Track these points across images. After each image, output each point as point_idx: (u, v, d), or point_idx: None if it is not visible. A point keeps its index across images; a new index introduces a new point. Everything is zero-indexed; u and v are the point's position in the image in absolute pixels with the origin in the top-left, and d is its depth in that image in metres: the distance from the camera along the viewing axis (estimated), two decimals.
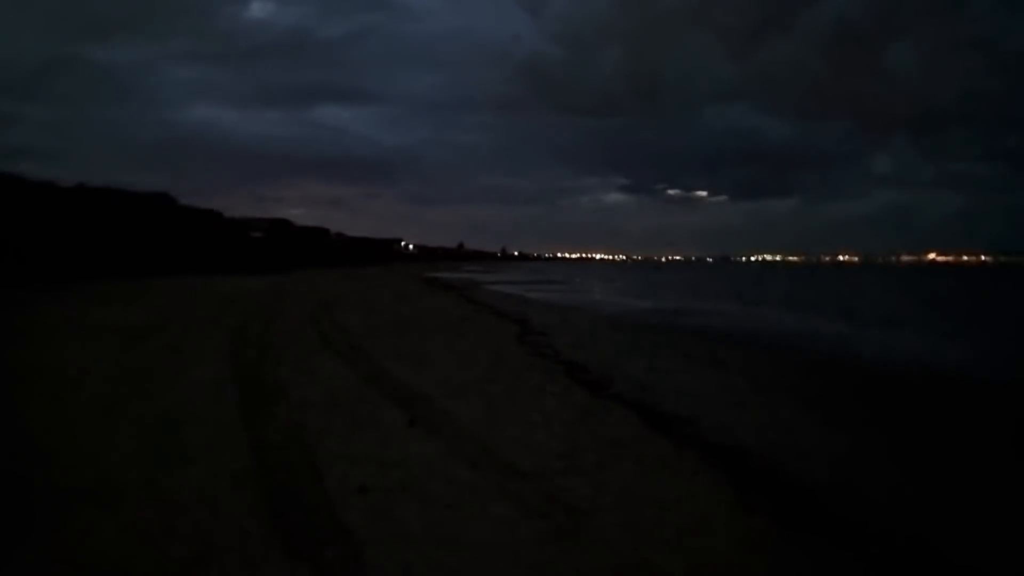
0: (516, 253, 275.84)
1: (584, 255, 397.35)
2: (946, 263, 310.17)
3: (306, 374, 9.34)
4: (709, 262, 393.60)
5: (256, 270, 44.08)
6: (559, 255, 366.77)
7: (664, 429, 7.59)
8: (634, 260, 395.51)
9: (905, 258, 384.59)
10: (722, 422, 8.22)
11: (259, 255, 51.59)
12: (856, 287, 59.13)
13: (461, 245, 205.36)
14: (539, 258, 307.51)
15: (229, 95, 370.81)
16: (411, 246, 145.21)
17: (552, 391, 9.15)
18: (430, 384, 8.94)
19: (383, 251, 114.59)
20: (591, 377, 10.62)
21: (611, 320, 23.24)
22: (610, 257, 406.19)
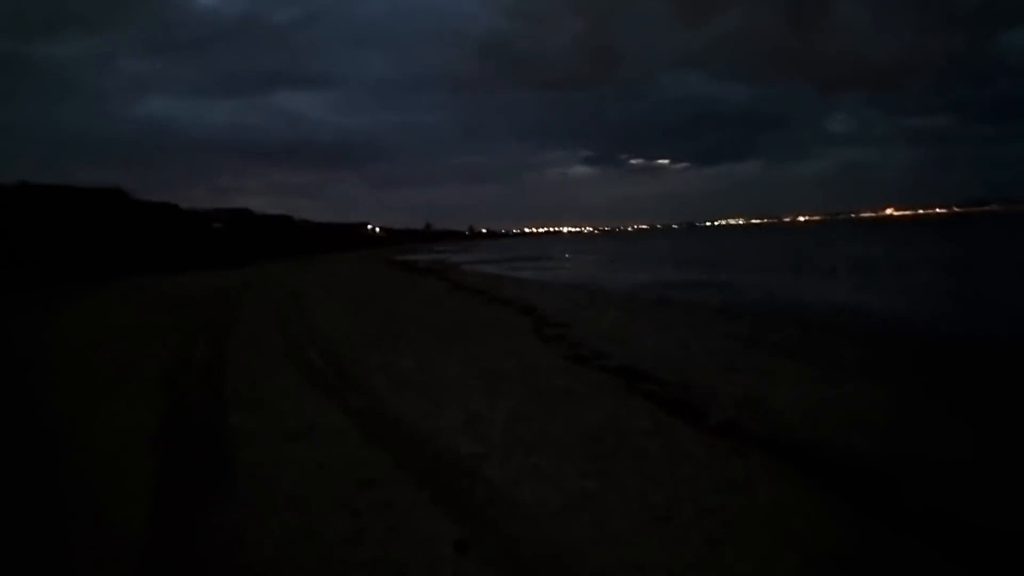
0: (484, 231, 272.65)
1: (552, 229, 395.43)
2: (903, 217, 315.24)
3: (270, 427, 6.24)
4: (675, 228, 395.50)
5: (217, 264, 41.10)
6: (527, 230, 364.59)
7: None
8: (602, 231, 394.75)
9: (865, 214, 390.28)
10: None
11: (220, 248, 48.43)
12: (840, 245, 57.62)
13: (428, 226, 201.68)
14: (508, 234, 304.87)
15: (182, 86, 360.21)
16: (378, 229, 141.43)
17: (642, 429, 6.07)
18: (459, 435, 5.91)
19: (350, 236, 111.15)
20: (675, 396, 7.49)
21: (623, 300, 21.00)
22: (578, 230, 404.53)
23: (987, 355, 10.89)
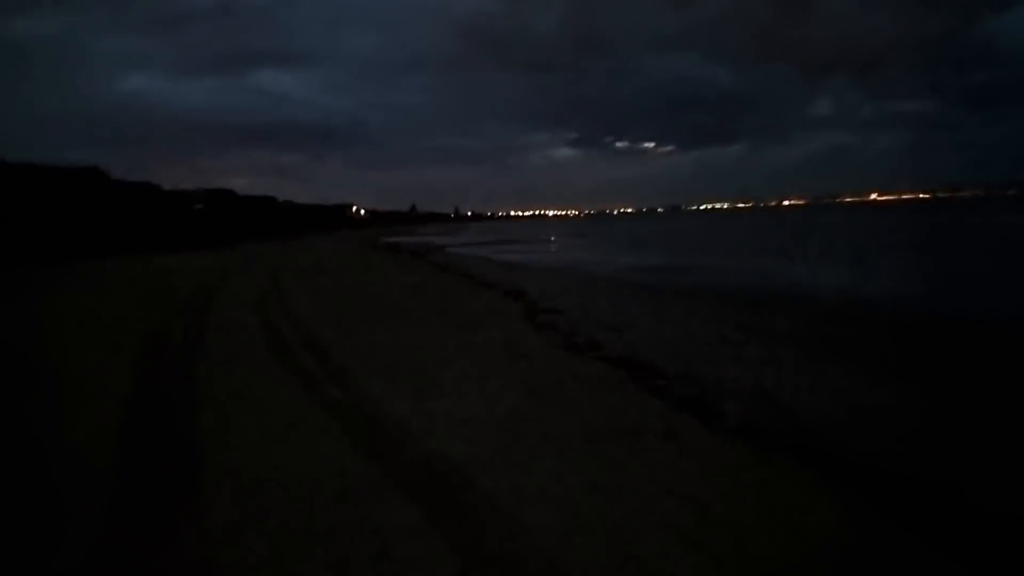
0: (469, 213, 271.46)
1: (537, 212, 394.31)
2: (886, 202, 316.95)
3: (245, 427, 5.71)
4: (660, 212, 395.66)
5: (198, 245, 40.19)
6: (512, 213, 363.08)
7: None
8: (587, 215, 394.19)
9: (848, 199, 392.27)
10: None
11: (201, 229, 47.39)
12: (822, 228, 57.38)
13: (413, 208, 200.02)
14: (493, 217, 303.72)
15: (161, 65, 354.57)
16: (363, 211, 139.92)
17: (654, 430, 5.48)
18: (452, 436, 5.34)
19: (334, 217, 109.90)
20: (683, 391, 6.96)
21: (613, 285, 20.51)
22: (563, 213, 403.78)
23: (968, 336, 10.48)
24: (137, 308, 13.59)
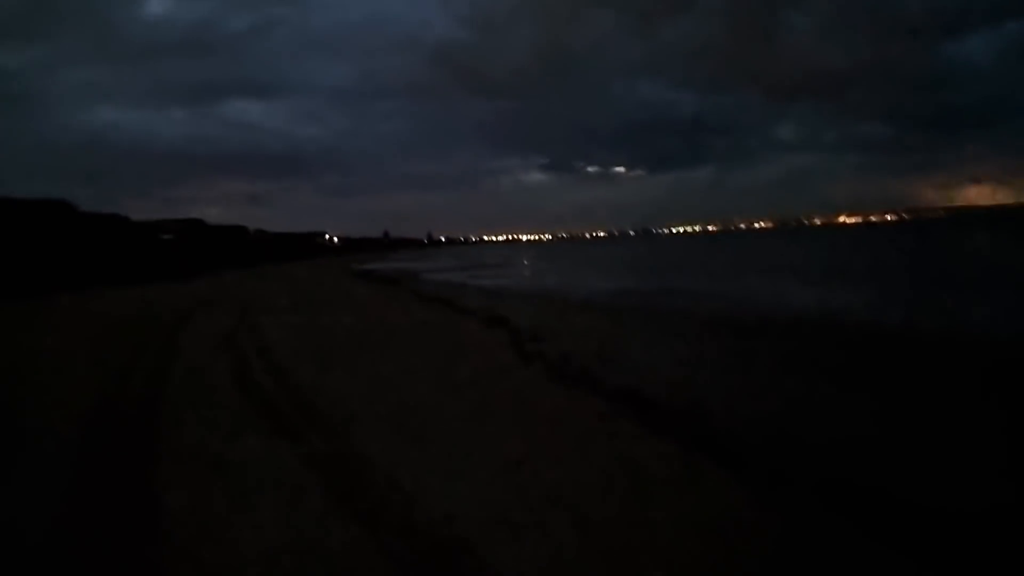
0: (443, 239, 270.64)
1: (510, 236, 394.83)
2: (854, 224, 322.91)
3: (208, 491, 4.96)
4: (632, 235, 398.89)
5: (167, 276, 39.08)
6: (485, 238, 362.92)
7: None
8: (560, 238, 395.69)
9: (818, 221, 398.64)
10: None
11: (170, 259, 46.23)
12: (795, 249, 57.74)
13: (386, 234, 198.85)
14: (466, 242, 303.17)
15: (131, 96, 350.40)
16: (335, 238, 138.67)
17: (673, 481, 4.91)
18: (447, 493, 4.70)
19: (306, 245, 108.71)
20: (695, 430, 6.27)
21: (595, 309, 20.04)
22: (536, 237, 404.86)
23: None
24: (89, 352, 12.79)
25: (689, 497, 4.65)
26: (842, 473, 5.25)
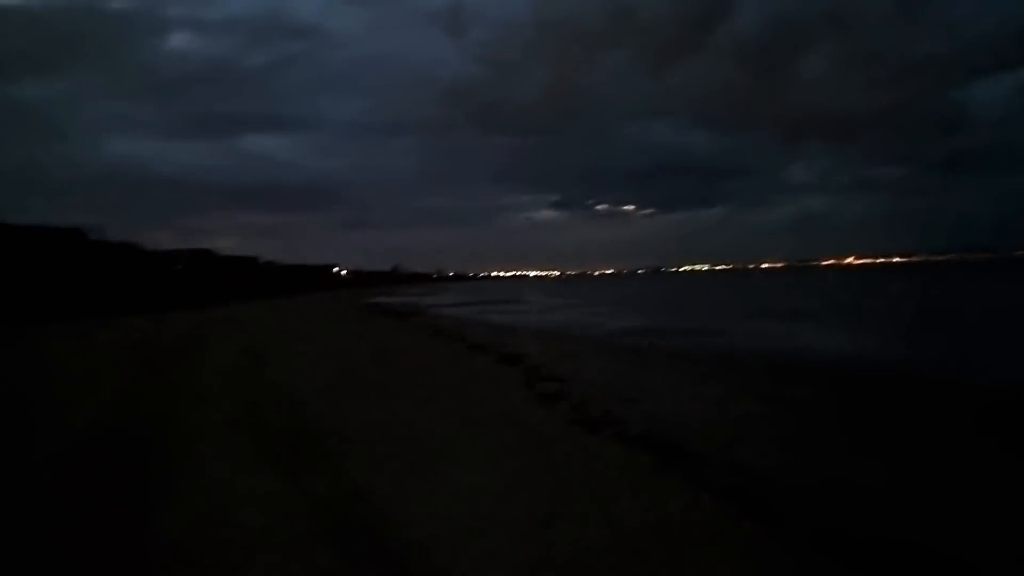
0: (452, 274, 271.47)
1: (519, 273, 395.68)
2: (862, 265, 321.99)
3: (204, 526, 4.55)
4: (641, 273, 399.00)
5: (177, 305, 38.99)
6: (494, 274, 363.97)
7: None
8: (568, 275, 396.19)
9: (827, 262, 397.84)
10: None
11: (181, 289, 46.22)
12: (812, 292, 57.15)
13: (396, 268, 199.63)
14: (475, 278, 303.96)
15: (150, 128, 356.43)
16: (344, 272, 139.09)
17: (712, 541, 4.54)
18: (466, 551, 4.33)
19: (317, 278, 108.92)
20: (731, 482, 5.95)
21: (611, 348, 19.66)
22: (544, 274, 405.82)
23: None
24: (92, 384, 12.50)
25: (729, 560, 4.24)
26: (886, 529, 4.84)
